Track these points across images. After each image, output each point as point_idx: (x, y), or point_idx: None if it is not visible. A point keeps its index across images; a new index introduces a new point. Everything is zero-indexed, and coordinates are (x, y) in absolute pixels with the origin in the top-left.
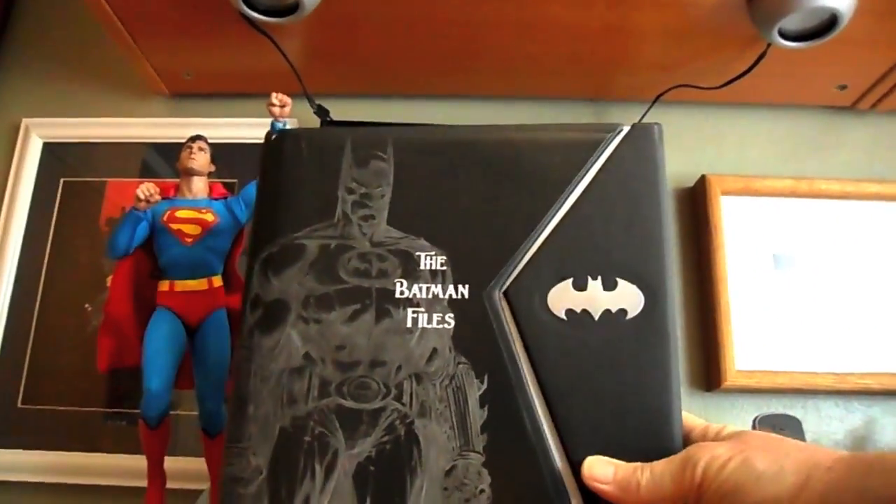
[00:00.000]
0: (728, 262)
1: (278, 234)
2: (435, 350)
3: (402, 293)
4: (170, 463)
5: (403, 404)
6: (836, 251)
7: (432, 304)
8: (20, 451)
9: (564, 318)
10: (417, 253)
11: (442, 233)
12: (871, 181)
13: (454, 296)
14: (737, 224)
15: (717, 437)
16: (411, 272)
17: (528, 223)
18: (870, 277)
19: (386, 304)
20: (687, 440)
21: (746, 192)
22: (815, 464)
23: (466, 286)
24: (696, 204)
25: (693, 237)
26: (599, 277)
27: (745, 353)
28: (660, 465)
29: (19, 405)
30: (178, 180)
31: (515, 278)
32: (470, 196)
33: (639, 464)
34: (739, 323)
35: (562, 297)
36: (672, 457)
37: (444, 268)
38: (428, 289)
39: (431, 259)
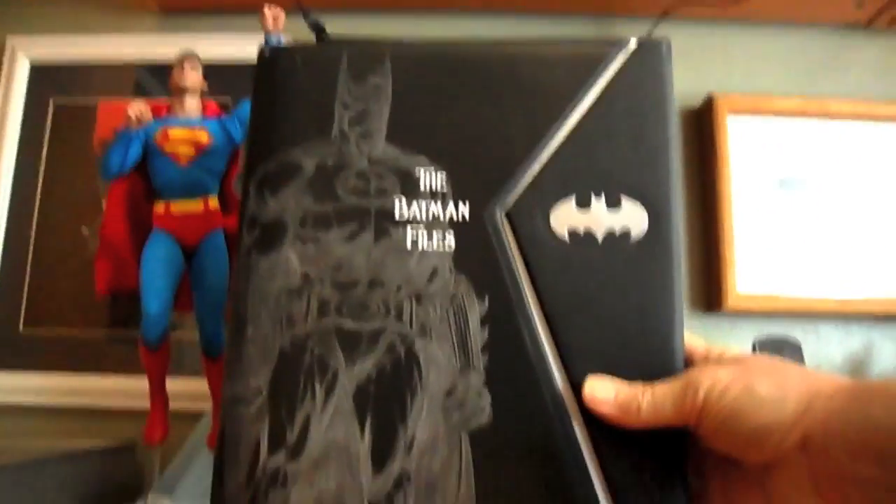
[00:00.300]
0: (733, 184)
1: (274, 153)
2: (435, 270)
3: (401, 212)
4: (173, 384)
5: (403, 325)
6: (844, 174)
7: (432, 224)
8: (24, 373)
9: (567, 239)
10: (417, 171)
11: (442, 150)
12: (884, 102)
13: (454, 215)
14: (743, 145)
15: (719, 360)
16: (410, 190)
17: (530, 140)
18: (877, 201)
19: (385, 223)
20: (688, 362)
21: (754, 111)
22: (816, 392)
23: (467, 205)
24: (702, 124)
25: (698, 158)
26: (603, 195)
27: (746, 275)
28: (661, 388)
29: (21, 329)
30: (170, 99)
31: (518, 198)
32: (471, 112)
33: (640, 386)
34: (742, 246)
35: (565, 217)
36: (674, 379)
37: (444, 186)
38: (427, 208)
39: (431, 177)
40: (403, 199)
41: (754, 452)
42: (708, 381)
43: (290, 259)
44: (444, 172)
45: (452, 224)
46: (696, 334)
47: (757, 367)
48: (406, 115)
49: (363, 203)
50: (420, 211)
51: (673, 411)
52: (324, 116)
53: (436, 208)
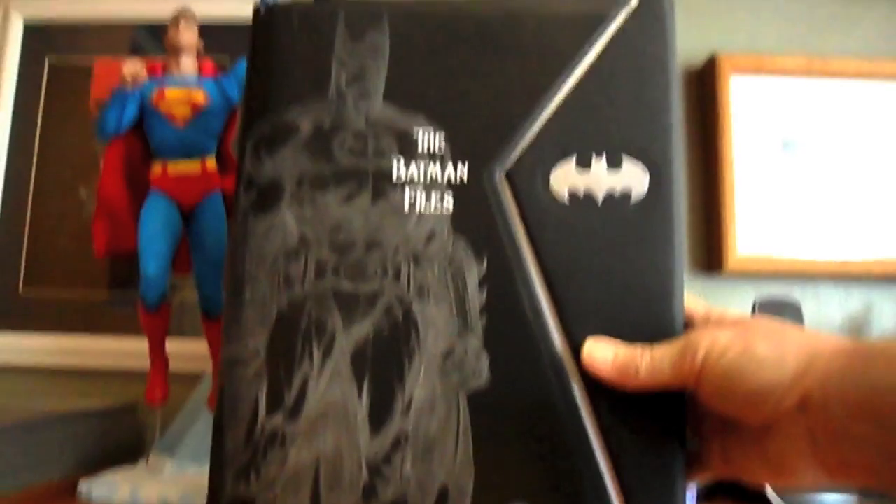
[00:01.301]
0: (735, 145)
1: (270, 113)
2: (433, 232)
3: (399, 173)
4: (175, 345)
5: (401, 287)
6: (848, 134)
7: (430, 185)
8: (24, 334)
9: (567, 200)
10: (415, 131)
11: (440, 110)
12: (890, 60)
13: (453, 176)
14: (746, 105)
15: (719, 323)
16: (409, 151)
17: (531, 100)
18: (881, 161)
19: (382, 184)
20: (688, 324)
21: (758, 71)
22: (816, 352)
23: (466, 166)
24: (704, 84)
25: (700, 118)
26: (604, 155)
27: (747, 236)
28: (660, 350)
29: (20, 291)
30: (166, 59)
31: (517, 158)
32: (470, 72)
33: (639, 348)
34: (743, 207)
35: (565, 178)
36: (673, 342)
37: (443, 147)
38: (426, 169)
39: (429, 137)
40: (401, 160)
41: (753, 413)
42: (707, 342)
43: (287, 220)
44: (442, 133)
45: (451, 185)
46: (696, 297)
47: (756, 328)
48: (404, 73)
49: (361, 164)
50: (418, 172)
51: (671, 373)
52: (320, 76)
53: (434, 169)
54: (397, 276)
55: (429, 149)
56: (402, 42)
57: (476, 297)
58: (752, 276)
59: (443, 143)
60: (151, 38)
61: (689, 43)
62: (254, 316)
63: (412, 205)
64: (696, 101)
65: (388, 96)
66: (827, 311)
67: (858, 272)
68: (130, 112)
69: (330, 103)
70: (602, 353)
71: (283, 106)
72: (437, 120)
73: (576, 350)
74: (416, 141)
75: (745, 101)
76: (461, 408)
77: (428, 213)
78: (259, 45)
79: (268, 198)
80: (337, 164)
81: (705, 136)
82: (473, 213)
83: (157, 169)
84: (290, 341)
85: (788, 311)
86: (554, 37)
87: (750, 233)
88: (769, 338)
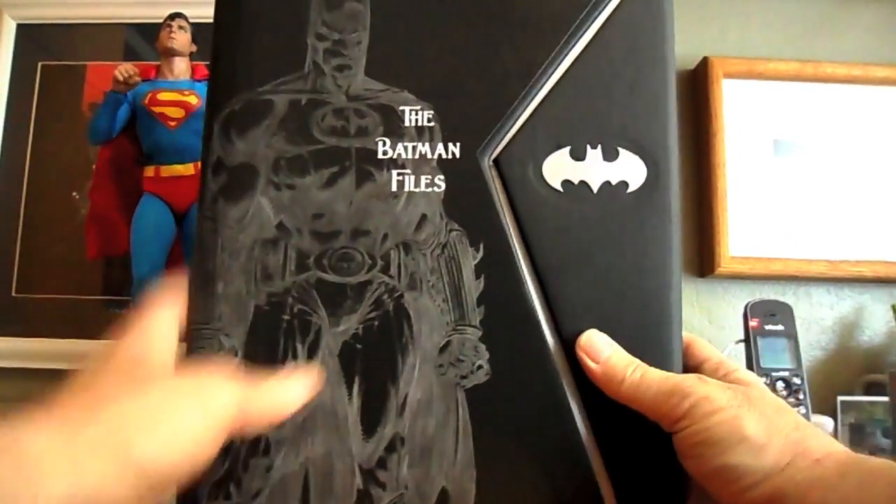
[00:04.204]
0: (727, 148)
1: (240, 90)
2: (424, 216)
3: (384, 153)
4: None
5: (391, 276)
6: (839, 137)
7: (419, 165)
8: (18, 339)
9: (561, 189)
10: (401, 107)
11: (428, 84)
12: (880, 65)
13: (444, 155)
14: (738, 108)
15: (725, 378)
16: (395, 129)
17: (524, 77)
18: (871, 164)
19: (367, 165)
20: (698, 369)
21: (750, 75)
22: (803, 451)
23: (458, 144)
24: (696, 87)
25: (693, 121)
26: (599, 146)
27: (739, 239)
28: (653, 375)
29: (13, 294)
30: (158, 62)
31: (507, 145)
32: (459, 43)
33: (636, 361)
34: (736, 209)
35: (558, 167)
36: (669, 375)
37: (432, 124)
38: (414, 148)
39: (417, 114)
40: (387, 139)
41: (718, 488)
42: (700, 393)
43: (263, 207)
44: (431, 109)
45: (442, 164)
46: (686, 299)
47: (755, 401)
48: (387, 45)
49: (343, 144)
50: (406, 151)
51: (651, 403)
52: (295, 48)
53: (423, 148)
54: (387, 265)
55: (416, 126)
56: (384, 9)
57: (473, 286)
58: (744, 279)
59: (431, 120)
60: (143, 40)
61: (681, 46)
62: (228, 313)
63: (400, 186)
64: (688, 104)
65: (370, 70)
66: (818, 313)
67: (850, 274)
68: (123, 115)
69: (306, 78)
70: (599, 345)
71: (255, 82)
72: (425, 95)
73: (566, 345)
74: (402, 118)
75: (737, 104)
76: (460, 405)
77: (418, 195)
78: (226, 14)
79: (240, 183)
80: (316, 145)
81: (697, 139)
82: (467, 196)
83: (149, 172)
84: (271, 339)
85: (780, 312)
86: (548, 12)
87: (742, 235)
88: (762, 418)
